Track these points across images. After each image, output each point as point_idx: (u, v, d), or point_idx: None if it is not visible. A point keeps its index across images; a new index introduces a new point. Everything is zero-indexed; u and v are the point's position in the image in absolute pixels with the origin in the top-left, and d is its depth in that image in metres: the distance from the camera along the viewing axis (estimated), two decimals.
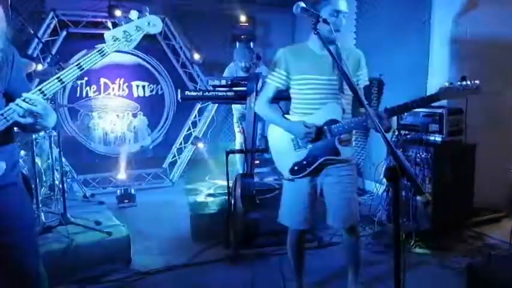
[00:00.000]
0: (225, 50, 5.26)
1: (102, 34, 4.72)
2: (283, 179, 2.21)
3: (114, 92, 5.06)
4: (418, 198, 1.31)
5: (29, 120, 1.38)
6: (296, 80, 2.09)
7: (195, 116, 5.44)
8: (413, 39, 3.92)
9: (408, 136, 3.51)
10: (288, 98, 2.23)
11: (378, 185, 4.19)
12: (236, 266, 2.92)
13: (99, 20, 4.84)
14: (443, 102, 3.59)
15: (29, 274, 1.55)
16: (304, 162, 2.07)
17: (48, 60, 4.41)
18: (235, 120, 4.55)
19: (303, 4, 1.85)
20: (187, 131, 5.41)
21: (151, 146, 5.32)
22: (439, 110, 3.32)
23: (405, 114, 3.59)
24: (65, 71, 1.44)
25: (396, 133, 3.57)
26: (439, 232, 3.17)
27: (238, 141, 4.55)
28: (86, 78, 4.82)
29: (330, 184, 2.11)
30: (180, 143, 5.39)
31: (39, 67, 4.16)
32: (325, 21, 1.78)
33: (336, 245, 3.14)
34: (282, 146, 2.13)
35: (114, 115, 5.11)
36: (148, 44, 4.95)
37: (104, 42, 4.57)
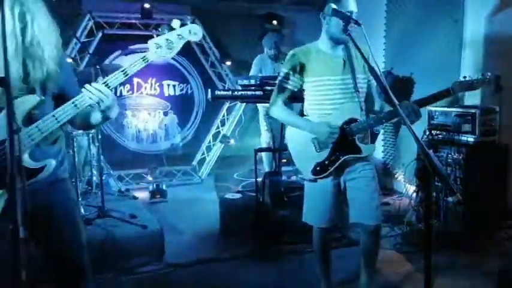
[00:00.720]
0: (253, 49, 5.33)
1: (135, 35, 4.91)
2: (305, 179, 2.22)
3: (146, 91, 5.25)
4: (450, 198, 1.31)
5: (94, 102, 1.47)
6: (310, 82, 2.09)
7: (224, 114, 5.56)
8: (445, 37, 3.85)
9: (439, 136, 3.46)
10: (298, 100, 2.24)
11: (407, 185, 4.15)
12: (264, 262, 2.99)
13: (133, 21, 5.02)
14: (477, 101, 3.54)
15: (76, 264, 1.64)
16: (326, 162, 2.08)
17: (86, 60, 4.61)
18: (261, 117, 4.61)
19: (334, 5, 1.87)
20: (215, 129, 5.53)
21: (181, 144, 5.47)
22: (472, 110, 3.26)
23: (436, 114, 3.54)
24: (110, 76, 1.51)
25: (427, 133, 3.53)
26: (470, 234, 3.12)
27: (264, 140, 4.60)
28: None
29: (353, 180, 2.12)
30: (209, 141, 5.52)
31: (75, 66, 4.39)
32: (356, 22, 1.79)
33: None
34: (303, 147, 2.14)
35: (146, 113, 5.29)
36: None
37: (136, 44, 4.72)
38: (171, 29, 1.59)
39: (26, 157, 1.43)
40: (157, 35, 1.58)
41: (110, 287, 2.58)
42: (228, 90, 4.10)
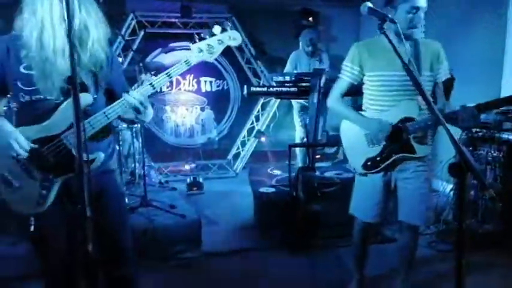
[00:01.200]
0: (288, 45, 5.37)
1: (175, 34, 5.11)
2: (356, 173, 2.22)
3: (184, 87, 5.45)
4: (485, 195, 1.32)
5: (129, 115, 1.62)
6: (370, 77, 2.09)
7: (258, 110, 5.66)
8: (487, 32, 3.72)
9: (479, 134, 3.38)
10: (356, 94, 2.27)
11: (445, 183, 4.07)
12: (295, 254, 3.06)
13: (173, 20, 5.22)
14: None
15: (123, 248, 1.79)
16: (378, 158, 2.07)
17: (129, 58, 4.86)
18: (295, 114, 4.67)
19: (370, 4, 1.86)
20: (250, 124, 5.65)
21: (217, 138, 5.64)
22: None
23: None
24: (156, 79, 1.62)
25: (466, 131, 3.45)
26: (508, 232, 3.04)
27: (298, 135, 4.66)
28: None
29: (405, 179, 2.10)
30: (244, 136, 5.65)
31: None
32: (392, 20, 1.80)
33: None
34: (355, 141, 2.14)
35: (184, 109, 5.50)
36: None
37: (175, 41, 4.91)
38: (212, 34, 1.70)
39: None
40: (200, 40, 1.69)
41: (150, 271, 2.75)
42: (263, 86, 4.20)
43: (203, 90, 5.53)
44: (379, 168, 2.08)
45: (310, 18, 5.52)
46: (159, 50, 5.28)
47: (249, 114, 5.66)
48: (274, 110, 5.59)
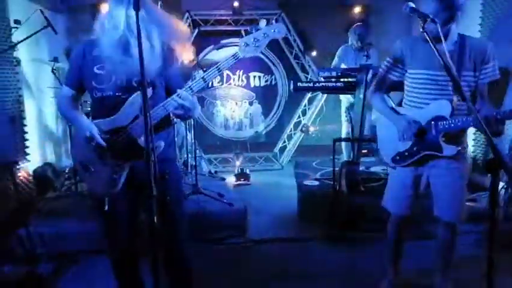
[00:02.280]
0: (338, 40, 5.36)
1: (226, 31, 5.34)
2: (389, 166, 2.28)
3: (234, 82, 5.68)
4: None
5: (179, 111, 1.78)
6: (410, 74, 2.12)
7: (305, 104, 5.75)
8: None
9: None
10: (398, 89, 2.29)
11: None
12: (337, 245, 3.16)
13: (224, 18, 5.45)
14: None
15: (180, 226, 2.00)
16: (406, 154, 2.14)
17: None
18: (343, 109, 4.70)
19: (412, 4, 1.90)
20: (297, 118, 5.76)
21: (264, 132, 5.82)
22: None
23: None
24: (207, 72, 1.78)
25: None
26: None
27: (344, 131, 4.70)
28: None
29: (437, 176, 2.12)
30: (290, 130, 5.78)
31: None
32: (433, 20, 1.83)
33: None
34: (388, 134, 2.21)
35: (234, 103, 5.73)
36: None
37: (227, 38, 5.13)
38: (258, 28, 1.83)
39: (142, 139, 1.77)
40: (246, 34, 1.83)
41: (200, 253, 2.98)
42: (310, 81, 4.28)
43: (252, 85, 5.73)
44: (407, 163, 2.15)
45: (360, 11, 5.47)
46: (211, 46, 5.55)
47: (295, 109, 5.77)
48: (321, 105, 5.65)
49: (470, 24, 4.37)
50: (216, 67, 1.79)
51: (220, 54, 5.52)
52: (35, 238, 2.79)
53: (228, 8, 5.39)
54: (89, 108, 2.73)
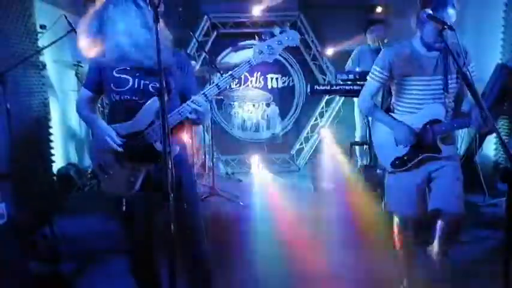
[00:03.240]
0: (357, 41, 5.32)
1: (244, 33, 5.38)
2: (387, 171, 2.31)
3: (252, 84, 5.72)
4: None
5: (194, 116, 1.82)
6: (398, 80, 2.16)
7: (322, 107, 5.73)
8: None
9: None
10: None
11: None
12: (358, 250, 3.14)
13: (243, 20, 5.49)
14: None
15: (196, 225, 2.03)
16: (405, 158, 2.17)
17: (202, 58, 5.24)
18: (356, 111, 4.66)
19: (430, 11, 1.92)
20: (314, 121, 5.75)
21: (281, 134, 5.84)
22: None
23: None
24: (221, 79, 1.82)
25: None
26: None
27: (359, 134, 4.66)
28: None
29: (437, 170, 2.17)
30: (307, 132, 5.77)
31: (193, 63, 5.05)
32: (450, 28, 1.83)
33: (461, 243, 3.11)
34: (385, 140, 2.24)
35: (251, 105, 5.78)
36: None
37: (244, 40, 5.17)
38: (272, 35, 1.85)
39: (158, 144, 1.82)
40: (259, 38, 1.85)
41: (216, 254, 3.02)
42: (327, 84, 4.28)
43: (269, 86, 5.75)
44: (406, 167, 2.18)
45: (380, 10, 5.40)
46: (229, 49, 5.60)
47: (313, 111, 5.76)
48: (338, 107, 5.62)
49: (492, 28, 4.29)
50: (230, 74, 1.82)
51: (238, 56, 5.58)
52: (59, 237, 2.90)
53: (246, 11, 5.42)
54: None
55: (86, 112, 1.96)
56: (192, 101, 1.80)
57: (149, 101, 1.82)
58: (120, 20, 1.76)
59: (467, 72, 1.78)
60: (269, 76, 5.73)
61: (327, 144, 5.60)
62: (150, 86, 1.84)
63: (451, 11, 1.97)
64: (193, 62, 5.12)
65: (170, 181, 1.35)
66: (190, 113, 1.80)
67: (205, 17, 5.40)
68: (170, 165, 1.38)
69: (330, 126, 5.67)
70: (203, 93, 1.82)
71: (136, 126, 1.85)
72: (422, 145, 2.14)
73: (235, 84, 5.70)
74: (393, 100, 2.27)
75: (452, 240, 2.29)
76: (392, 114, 2.25)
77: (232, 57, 5.62)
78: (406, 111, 2.19)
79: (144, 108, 1.83)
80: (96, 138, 1.90)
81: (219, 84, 1.82)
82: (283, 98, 5.78)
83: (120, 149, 1.83)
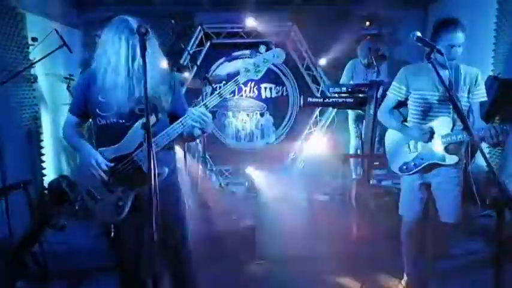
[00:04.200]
0: (349, 51, 5.35)
1: (237, 43, 5.37)
2: (397, 174, 2.56)
3: (246, 93, 5.72)
4: None
5: (197, 125, 1.80)
6: (414, 95, 2.44)
7: (316, 115, 5.74)
8: None
9: None
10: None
11: None
12: (350, 264, 3.13)
13: (236, 30, 5.49)
14: None
15: (184, 251, 2.04)
16: (412, 164, 2.44)
17: (195, 71, 5.22)
18: (350, 122, 4.67)
19: (419, 33, 1.97)
20: (308, 130, 5.75)
21: (276, 143, 5.83)
22: None
23: None
24: (208, 98, 1.82)
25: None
26: None
27: (353, 145, 4.66)
28: (224, 82, 5.54)
29: (439, 183, 2.44)
30: (301, 142, 5.76)
31: (187, 73, 5.05)
32: (439, 51, 1.88)
33: (454, 257, 3.12)
34: (396, 147, 2.53)
35: (245, 114, 5.77)
36: None
37: (238, 50, 5.17)
38: (259, 53, 1.85)
39: (146, 166, 1.72)
40: (247, 58, 1.86)
41: (207, 272, 2.99)
42: (320, 97, 4.28)
43: (263, 96, 5.76)
44: (412, 171, 2.45)
45: (372, 22, 5.43)
46: (223, 59, 5.60)
47: (307, 120, 5.76)
48: (332, 116, 5.62)
49: (484, 34, 4.32)
50: (218, 93, 1.83)
51: (231, 67, 5.58)
52: (49, 255, 2.87)
53: (240, 21, 5.42)
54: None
55: (72, 137, 1.95)
56: (179, 122, 1.79)
57: (137, 123, 1.80)
58: (109, 49, 1.76)
59: (455, 96, 1.83)
60: (263, 86, 5.73)
61: (321, 154, 5.59)
62: (136, 108, 1.83)
63: (460, 35, 2.22)
64: (186, 74, 5.11)
65: (155, 212, 1.33)
66: (194, 122, 1.78)
67: (199, 27, 5.39)
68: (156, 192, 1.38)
69: (324, 135, 5.67)
70: (204, 104, 1.82)
71: (123, 149, 1.84)
72: (429, 152, 2.39)
73: (230, 94, 5.67)
74: (409, 113, 2.52)
75: (443, 244, 2.65)
76: (406, 123, 2.52)
77: (226, 67, 5.62)
78: (418, 122, 2.44)
79: (132, 130, 1.82)
80: (84, 163, 1.89)
81: (207, 103, 1.82)
82: (277, 107, 5.79)
83: (104, 176, 1.81)
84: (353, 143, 4.67)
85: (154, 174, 1.48)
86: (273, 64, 5.66)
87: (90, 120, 1.98)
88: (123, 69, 1.78)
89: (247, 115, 5.78)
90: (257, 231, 3.46)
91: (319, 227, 3.64)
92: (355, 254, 3.21)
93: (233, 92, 5.68)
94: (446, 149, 2.36)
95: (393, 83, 2.51)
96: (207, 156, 4.56)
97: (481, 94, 2.39)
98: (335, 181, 4.75)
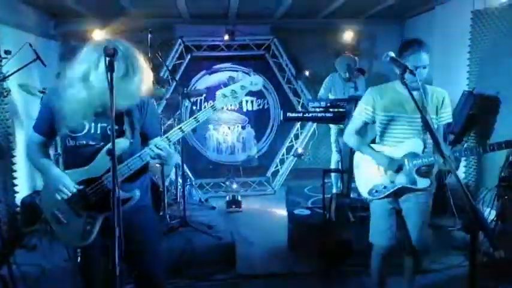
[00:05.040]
0: (330, 65, 5.41)
1: (218, 57, 5.37)
2: (365, 199, 2.45)
3: (227, 106, 5.67)
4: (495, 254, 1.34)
5: (157, 161, 1.78)
6: (381, 117, 2.34)
7: (297, 128, 5.76)
8: None
9: None
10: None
11: (488, 210, 3.91)
12: (329, 281, 3.12)
13: (217, 43, 5.49)
14: None
15: (154, 275, 1.95)
16: (383, 187, 2.31)
17: (173, 86, 5.17)
18: (332, 137, 4.69)
19: (392, 54, 1.99)
20: (289, 142, 5.76)
21: (257, 156, 5.81)
22: None
23: None
24: (184, 123, 1.79)
25: (510, 159, 3.32)
26: None
27: (334, 160, 4.68)
28: (204, 95, 5.51)
29: (408, 209, 2.35)
30: (283, 154, 5.77)
31: (166, 87, 5.01)
32: (411, 72, 1.90)
33: (434, 272, 3.13)
34: (365, 170, 2.40)
35: (226, 127, 5.74)
36: (257, 62, 5.45)
37: (219, 63, 5.16)
38: (236, 80, 1.84)
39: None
40: (225, 87, 1.85)
41: None
42: (300, 112, 4.30)
43: (245, 109, 5.75)
44: (382, 196, 2.32)
45: (351, 36, 5.51)
46: (203, 71, 5.58)
47: (288, 133, 5.77)
48: (313, 129, 5.66)
49: (460, 48, 4.43)
50: (194, 118, 1.80)
51: (212, 79, 5.56)
52: (18, 278, 2.74)
53: (221, 34, 5.42)
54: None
55: (37, 158, 1.86)
56: (154, 145, 1.75)
57: (107, 145, 1.75)
58: (81, 67, 1.71)
59: (428, 117, 1.83)
60: (244, 98, 5.71)
61: (303, 166, 5.61)
62: (108, 129, 1.77)
63: (424, 56, 2.17)
64: (165, 87, 5.06)
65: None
66: (153, 158, 1.76)
67: (179, 40, 5.36)
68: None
69: (305, 148, 5.69)
70: (166, 137, 1.78)
71: (93, 172, 1.78)
72: (400, 176, 2.28)
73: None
74: (377, 135, 2.41)
75: (416, 268, 2.50)
76: (375, 145, 2.40)
77: (207, 80, 5.60)
78: (387, 145, 2.34)
79: (102, 152, 1.76)
80: (49, 185, 1.81)
81: (182, 128, 1.79)
82: (258, 120, 5.79)
83: (71, 199, 1.74)
84: (334, 156, 4.69)
85: (119, 203, 1.43)
86: None
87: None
88: (95, 89, 1.72)
89: (229, 128, 5.75)
90: (237, 247, 3.42)
91: (300, 242, 3.61)
92: (335, 270, 3.22)
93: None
94: (417, 172, 2.26)
95: (360, 104, 2.41)
96: (187, 170, 4.50)
97: (447, 116, 2.33)
98: (316, 195, 4.76)
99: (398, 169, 2.26)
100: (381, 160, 2.31)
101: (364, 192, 2.39)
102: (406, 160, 2.26)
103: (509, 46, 3.79)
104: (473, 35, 4.36)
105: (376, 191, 2.32)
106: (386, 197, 2.32)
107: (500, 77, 3.91)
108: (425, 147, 2.25)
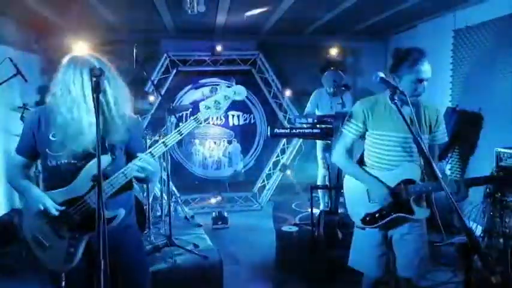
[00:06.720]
0: (315, 80, 5.44)
1: (204, 71, 5.33)
2: (356, 226, 2.24)
3: (213, 121, 5.64)
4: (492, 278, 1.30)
5: (141, 175, 1.71)
6: (372, 134, 2.13)
7: (284, 143, 5.74)
8: None
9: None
10: None
11: (475, 225, 3.93)
12: None
13: (203, 58, 5.47)
14: None
15: None
16: (377, 215, 2.10)
17: (158, 101, 5.10)
18: (319, 153, 4.68)
19: (382, 74, 1.91)
20: (276, 157, 5.73)
21: (243, 171, 5.76)
22: None
23: (505, 156, 3.37)
24: (167, 136, 1.74)
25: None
26: None
27: (321, 175, 4.67)
28: (190, 110, 5.44)
29: (400, 234, 2.14)
30: (269, 169, 5.73)
31: (152, 98, 4.94)
32: (402, 93, 1.85)
33: None
34: (357, 195, 2.17)
35: (212, 142, 5.68)
36: (244, 77, 5.45)
37: (205, 78, 5.11)
38: (220, 91, 1.80)
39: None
40: (207, 98, 1.80)
41: None
42: (287, 128, 4.29)
43: (231, 124, 5.71)
44: (377, 225, 2.11)
45: (336, 52, 5.58)
46: (189, 86, 5.54)
47: (274, 148, 5.75)
48: (300, 144, 5.65)
49: (442, 64, 4.52)
50: (177, 131, 1.74)
51: (198, 94, 5.52)
52: None
53: (207, 49, 5.41)
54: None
55: (18, 180, 1.79)
56: (139, 159, 1.69)
57: (89, 164, 1.68)
58: (65, 86, 1.66)
59: (419, 139, 1.78)
60: (230, 113, 5.69)
61: (289, 181, 5.57)
62: (90, 148, 1.70)
63: (428, 67, 2.01)
64: (151, 98, 5.00)
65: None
66: (137, 171, 1.69)
67: (165, 55, 5.32)
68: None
69: (292, 163, 5.67)
70: (149, 152, 1.73)
71: (75, 191, 1.70)
72: (395, 204, 2.07)
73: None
74: (366, 153, 2.20)
75: None
76: (365, 168, 2.17)
77: (193, 94, 5.55)
78: (380, 167, 2.12)
79: (84, 171, 1.69)
80: (30, 207, 1.73)
81: (165, 142, 1.74)
82: (244, 135, 5.75)
83: (53, 221, 1.66)
84: (321, 171, 4.68)
85: (104, 223, 1.36)
86: None
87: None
88: (78, 107, 1.67)
89: (215, 143, 5.69)
90: (224, 265, 3.33)
91: (288, 260, 3.55)
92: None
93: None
94: (414, 201, 2.05)
95: (350, 120, 2.17)
96: (172, 186, 4.40)
97: (441, 135, 2.14)
98: (303, 210, 4.72)
99: (395, 198, 2.06)
100: (376, 190, 2.09)
101: (356, 221, 2.18)
102: (402, 188, 2.05)
103: (490, 63, 3.89)
104: (455, 53, 4.46)
105: (369, 220, 2.11)
106: (379, 226, 2.12)
107: (482, 94, 4.00)
108: (423, 173, 2.04)
